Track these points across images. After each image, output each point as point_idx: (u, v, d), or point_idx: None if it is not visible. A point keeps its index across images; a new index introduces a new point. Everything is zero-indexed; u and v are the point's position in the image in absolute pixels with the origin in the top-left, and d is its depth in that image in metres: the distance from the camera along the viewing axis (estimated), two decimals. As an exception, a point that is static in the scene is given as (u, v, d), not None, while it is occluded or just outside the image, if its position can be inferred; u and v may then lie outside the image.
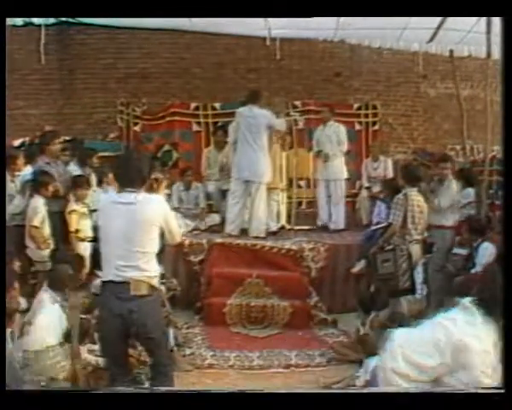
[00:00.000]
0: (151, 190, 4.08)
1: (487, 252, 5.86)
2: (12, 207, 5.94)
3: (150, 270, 3.75)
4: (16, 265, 5.17)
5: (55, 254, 5.66)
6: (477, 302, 3.24)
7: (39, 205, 5.89)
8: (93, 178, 6.92)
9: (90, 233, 6.27)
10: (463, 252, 6.37)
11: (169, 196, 7.88)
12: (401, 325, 5.19)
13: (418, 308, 6.06)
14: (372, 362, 4.91)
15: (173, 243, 4.12)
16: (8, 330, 4.11)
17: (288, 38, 8.82)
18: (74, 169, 6.84)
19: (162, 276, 4.24)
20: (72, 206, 6.19)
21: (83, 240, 6.15)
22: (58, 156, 6.66)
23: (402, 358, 3.27)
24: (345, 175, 8.34)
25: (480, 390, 2.90)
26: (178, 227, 4.07)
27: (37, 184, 5.97)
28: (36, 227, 5.83)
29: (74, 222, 6.14)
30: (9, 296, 4.33)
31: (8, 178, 5.85)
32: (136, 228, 3.70)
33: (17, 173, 6.10)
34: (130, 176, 3.78)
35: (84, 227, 6.23)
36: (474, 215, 6.62)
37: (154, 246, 3.79)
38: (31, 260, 5.87)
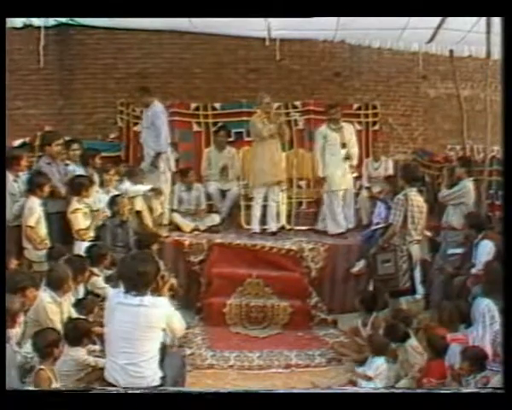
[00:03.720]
0: (156, 289, 4.17)
1: (487, 250, 5.84)
2: (17, 208, 5.95)
3: (149, 369, 3.86)
4: (14, 264, 5.17)
5: (53, 254, 5.66)
6: None
7: (34, 206, 5.90)
8: (95, 179, 6.90)
9: (91, 233, 6.28)
10: (459, 251, 6.39)
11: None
12: (405, 323, 5.22)
13: (418, 309, 6.07)
14: (378, 361, 4.92)
15: (176, 337, 4.30)
16: (9, 331, 4.11)
17: (288, 38, 8.82)
18: (76, 169, 6.83)
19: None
20: (75, 205, 6.19)
21: (83, 240, 6.14)
22: (59, 157, 6.65)
23: None
24: (355, 173, 8.37)
25: (480, 390, 2.90)
26: (181, 324, 4.17)
27: (32, 184, 5.97)
28: (31, 227, 5.83)
29: (76, 221, 6.14)
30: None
31: (10, 178, 5.85)
32: (139, 330, 3.82)
33: (20, 174, 6.10)
34: (136, 280, 3.87)
35: (86, 227, 6.22)
36: (473, 212, 6.61)
37: (155, 347, 3.91)
38: (29, 261, 5.86)
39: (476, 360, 4.30)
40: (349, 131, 7.90)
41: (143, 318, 3.83)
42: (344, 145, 7.65)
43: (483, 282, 5.27)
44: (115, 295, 4.01)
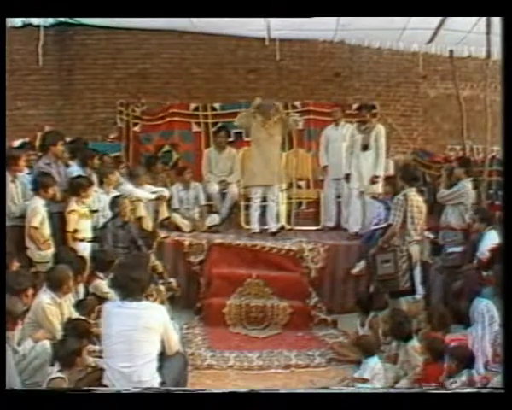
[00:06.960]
0: (151, 299, 4.23)
1: (491, 236, 5.77)
2: (17, 209, 5.95)
3: (147, 374, 3.84)
4: (16, 266, 5.17)
5: (55, 255, 5.65)
6: None
7: (38, 206, 5.89)
8: (94, 179, 6.89)
9: (89, 234, 6.26)
10: (458, 249, 6.39)
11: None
12: (405, 322, 5.20)
13: (418, 309, 6.06)
14: (372, 362, 4.91)
15: (170, 352, 4.14)
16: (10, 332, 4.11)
17: (288, 38, 8.82)
18: (75, 170, 6.82)
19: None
20: (73, 206, 6.18)
21: (81, 240, 6.13)
22: (60, 157, 6.64)
23: None
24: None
25: (480, 390, 2.90)
26: (176, 338, 4.17)
27: (37, 185, 5.97)
28: (35, 228, 5.83)
29: (73, 222, 6.13)
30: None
31: (9, 178, 5.84)
32: (138, 332, 3.82)
33: (18, 174, 6.09)
34: (131, 287, 3.90)
35: (84, 227, 6.21)
36: (482, 207, 6.62)
37: (153, 350, 3.89)
38: (31, 261, 5.86)
39: (462, 358, 4.27)
40: (380, 132, 7.62)
41: (142, 320, 3.84)
42: (366, 147, 7.52)
43: (489, 283, 5.25)
44: (112, 305, 4.05)
